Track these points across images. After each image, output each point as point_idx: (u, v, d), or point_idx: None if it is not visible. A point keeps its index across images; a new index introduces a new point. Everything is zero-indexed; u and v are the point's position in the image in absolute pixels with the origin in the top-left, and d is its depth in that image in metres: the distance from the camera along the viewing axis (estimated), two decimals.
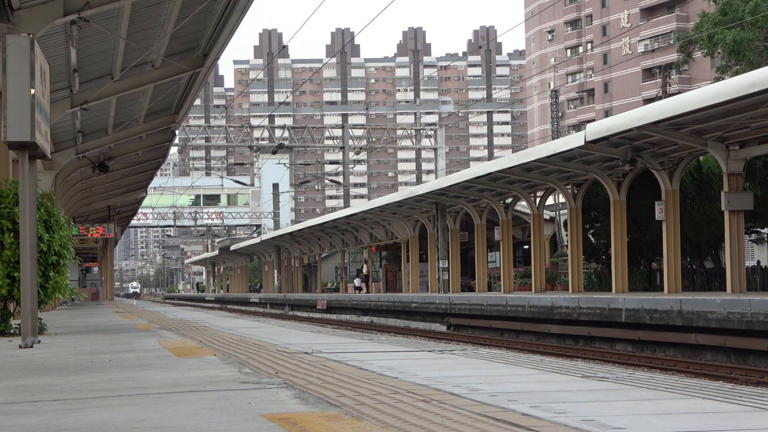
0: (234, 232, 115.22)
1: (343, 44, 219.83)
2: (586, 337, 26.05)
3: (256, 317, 35.68)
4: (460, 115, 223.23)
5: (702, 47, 53.86)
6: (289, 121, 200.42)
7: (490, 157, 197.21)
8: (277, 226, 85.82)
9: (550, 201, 41.39)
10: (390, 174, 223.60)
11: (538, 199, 35.33)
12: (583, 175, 30.54)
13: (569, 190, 32.37)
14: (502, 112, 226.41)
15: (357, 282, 61.32)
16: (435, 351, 11.06)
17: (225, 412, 5.71)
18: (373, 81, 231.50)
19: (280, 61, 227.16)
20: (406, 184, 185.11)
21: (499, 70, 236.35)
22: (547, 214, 41.23)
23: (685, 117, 22.26)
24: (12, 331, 15.66)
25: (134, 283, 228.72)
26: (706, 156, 29.34)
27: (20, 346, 12.57)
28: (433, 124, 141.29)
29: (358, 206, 52.48)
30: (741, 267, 24.71)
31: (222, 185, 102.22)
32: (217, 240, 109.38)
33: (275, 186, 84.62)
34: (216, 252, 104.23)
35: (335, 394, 6.43)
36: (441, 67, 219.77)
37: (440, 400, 6.03)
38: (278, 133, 63.27)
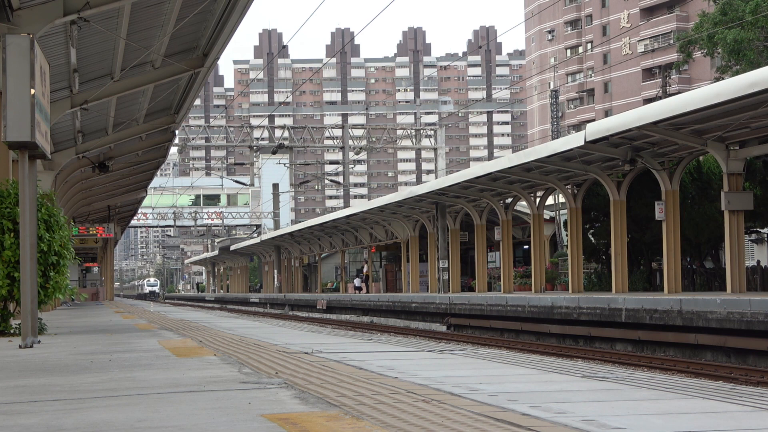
0: (234, 232, 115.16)
1: (343, 44, 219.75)
2: (586, 337, 26.05)
3: (256, 317, 35.68)
4: (460, 115, 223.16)
5: (702, 47, 53.83)
6: (289, 121, 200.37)
7: (490, 157, 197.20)
8: (277, 226, 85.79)
9: (550, 201, 41.37)
10: (390, 174, 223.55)
11: (538, 199, 35.33)
12: (583, 175, 30.54)
13: (569, 190, 32.37)
14: (502, 112, 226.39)
15: (357, 282, 61.33)
16: (435, 351, 11.05)
17: (225, 412, 5.71)
18: (373, 81, 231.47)
19: (280, 61, 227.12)
20: (406, 184, 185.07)
21: (499, 70, 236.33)
22: (547, 214, 41.21)
23: (685, 117, 22.26)
24: (12, 331, 15.65)
25: (152, 280, 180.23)
26: (706, 156, 29.34)
27: (20, 346, 12.57)
28: (433, 124, 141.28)
29: (358, 206, 52.48)
30: (741, 267, 24.72)
31: (222, 185, 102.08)
32: (217, 240, 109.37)
33: (275, 186, 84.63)
34: (216, 252, 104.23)
35: (335, 394, 6.42)
36: (441, 67, 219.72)
37: (440, 400, 6.02)
38: (278, 133, 63.21)
